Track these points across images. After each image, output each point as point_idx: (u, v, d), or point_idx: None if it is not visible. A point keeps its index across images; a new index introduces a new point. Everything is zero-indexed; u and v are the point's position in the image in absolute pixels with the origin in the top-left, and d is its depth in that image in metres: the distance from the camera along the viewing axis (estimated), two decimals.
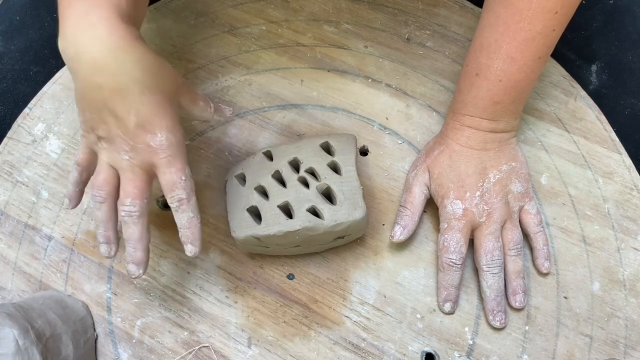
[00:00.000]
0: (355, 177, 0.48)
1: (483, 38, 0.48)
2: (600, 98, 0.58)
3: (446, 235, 0.49)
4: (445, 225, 0.49)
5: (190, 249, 0.44)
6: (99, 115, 0.42)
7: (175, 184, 0.43)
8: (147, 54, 0.42)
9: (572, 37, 0.59)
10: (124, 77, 0.40)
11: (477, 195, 0.49)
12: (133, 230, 0.43)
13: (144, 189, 0.43)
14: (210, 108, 0.49)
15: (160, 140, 0.42)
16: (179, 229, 0.44)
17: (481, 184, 0.49)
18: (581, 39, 0.59)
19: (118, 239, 0.45)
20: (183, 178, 0.43)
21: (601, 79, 0.59)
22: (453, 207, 0.49)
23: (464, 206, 0.49)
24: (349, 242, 0.52)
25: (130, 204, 0.43)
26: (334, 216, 0.46)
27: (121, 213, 0.43)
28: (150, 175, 0.44)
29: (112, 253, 0.45)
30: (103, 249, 0.45)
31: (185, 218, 0.43)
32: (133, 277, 0.44)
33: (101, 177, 0.43)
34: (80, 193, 0.47)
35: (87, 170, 0.46)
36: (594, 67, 0.59)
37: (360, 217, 0.46)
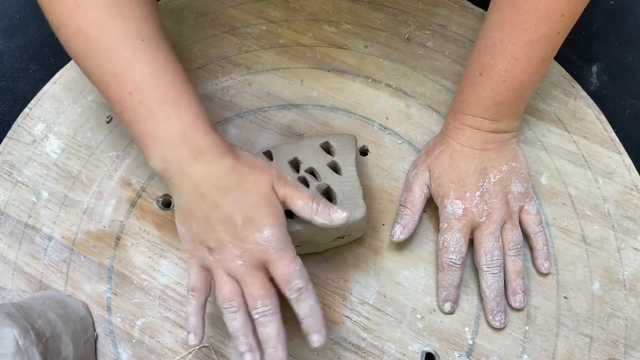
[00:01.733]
0: (355, 177, 0.48)
1: (488, 38, 0.48)
2: (600, 99, 0.58)
3: (446, 235, 0.49)
4: (445, 225, 0.49)
5: (316, 339, 0.42)
6: (207, 224, 0.43)
7: (291, 275, 0.42)
8: (240, 157, 0.44)
9: (572, 38, 0.58)
10: (225, 183, 0.42)
11: (477, 195, 0.49)
12: (270, 329, 0.42)
13: (268, 287, 0.43)
14: (310, 204, 0.44)
15: (268, 237, 0.41)
16: (302, 319, 0.43)
17: (481, 184, 0.49)
18: (582, 40, 0.59)
19: (258, 342, 0.43)
20: (297, 268, 0.42)
21: (602, 79, 0.59)
22: (453, 207, 0.49)
23: (464, 206, 0.49)
24: (349, 242, 0.52)
25: (262, 305, 0.42)
26: None
27: (255, 316, 0.42)
28: (267, 273, 0.43)
29: (258, 359, 0.43)
30: (248, 357, 0.43)
31: (308, 307, 0.42)
32: None
33: (226, 289, 0.43)
34: (203, 320, 0.45)
35: (204, 293, 0.45)
36: (594, 68, 0.59)
37: (360, 217, 0.46)
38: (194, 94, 0.44)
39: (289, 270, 0.42)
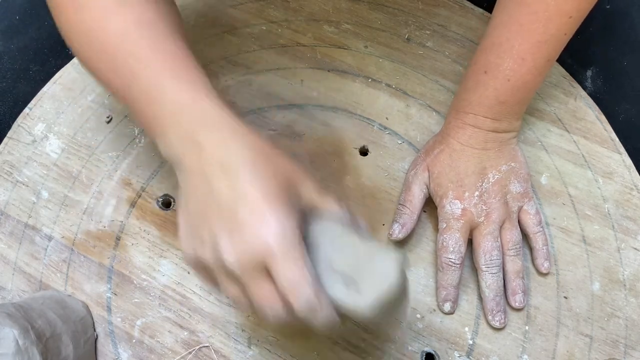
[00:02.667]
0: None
1: (494, 37, 0.48)
2: (595, 102, 0.58)
3: (445, 235, 0.49)
4: (444, 225, 0.49)
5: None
6: (204, 208, 0.35)
7: (299, 283, 0.33)
8: (261, 136, 0.37)
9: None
10: (234, 158, 0.34)
11: (475, 195, 0.49)
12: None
13: (273, 294, 0.34)
14: (343, 210, 0.37)
15: (273, 230, 0.32)
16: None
17: (480, 184, 0.49)
18: (577, 44, 0.59)
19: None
20: (307, 276, 0.33)
21: (596, 84, 0.58)
22: (452, 206, 0.49)
23: (462, 206, 0.49)
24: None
25: (272, 311, 0.34)
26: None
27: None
28: (269, 277, 0.34)
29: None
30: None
31: (324, 319, 0.34)
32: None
33: (230, 294, 0.36)
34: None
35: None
36: (589, 72, 0.59)
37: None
38: (197, 65, 0.39)
39: (297, 276, 0.32)
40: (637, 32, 0.60)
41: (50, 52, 0.62)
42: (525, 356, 0.48)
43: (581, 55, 0.59)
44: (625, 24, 0.60)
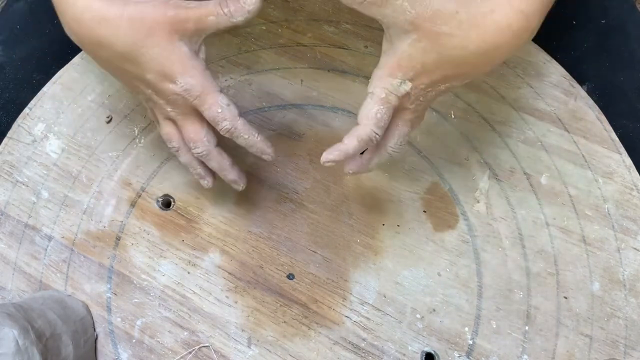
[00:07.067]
0: None
1: None
2: None
3: (380, 107, 0.46)
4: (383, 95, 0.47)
5: (266, 157, 0.48)
6: (126, 81, 0.45)
7: (216, 118, 0.44)
8: (129, 6, 0.41)
9: (562, 57, 0.58)
10: (121, 47, 0.41)
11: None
12: (214, 163, 0.47)
13: (199, 129, 0.45)
14: (222, 12, 0.43)
15: (183, 86, 0.43)
16: (248, 149, 0.47)
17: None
18: (571, 60, 0.59)
19: (211, 171, 0.49)
20: (219, 110, 0.44)
21: (592, 99, 0.58)
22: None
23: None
24: None
25: (195, 147, 0.46)
26: None
27: (195, 156, 0.47)
28: (199, 112, 0.45)
29: (210, 184, 0.49)
30: (202, 183, 0.49)
31: (244, 141, 0.46)
32: (239, 188, 0.49)
33: (164, 131, 0.47)
34: (203, 164, 0.48)
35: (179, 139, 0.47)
36: (584, 88, 0.58)
37: None
38: None
39: (213, 114, 0.44)
40: (632, 47, 0.59)
41: (53, 60, 0.62)
42: (525, 356, 0.49)
43: (576, 71, 0.59)
44: (620, 39, 0.59)
